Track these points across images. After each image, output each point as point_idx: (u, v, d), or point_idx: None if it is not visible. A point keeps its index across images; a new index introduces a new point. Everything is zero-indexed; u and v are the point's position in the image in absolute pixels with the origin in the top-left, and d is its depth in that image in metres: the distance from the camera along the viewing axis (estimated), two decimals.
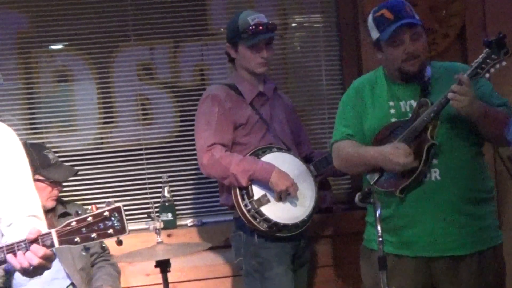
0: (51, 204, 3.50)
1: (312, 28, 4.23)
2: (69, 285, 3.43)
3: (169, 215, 3.89)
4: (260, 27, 3.41)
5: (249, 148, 3.43)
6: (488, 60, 2.72)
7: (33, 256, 2.05)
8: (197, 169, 3.58)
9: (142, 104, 4.09)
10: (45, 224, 2.30)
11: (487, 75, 2.74)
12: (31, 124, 3.96)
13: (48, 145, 3.83)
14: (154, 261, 3.21)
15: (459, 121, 2.83)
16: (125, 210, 2.06)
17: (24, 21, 3.99)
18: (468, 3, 4.02)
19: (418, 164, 2.83)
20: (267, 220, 3.32)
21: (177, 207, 4.00)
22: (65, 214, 3.54)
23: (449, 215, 2.86)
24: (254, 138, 3.45)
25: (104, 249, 3.57)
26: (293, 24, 4.22)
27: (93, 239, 2.03)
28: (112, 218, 2.03)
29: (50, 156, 3.54)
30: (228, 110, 3.43)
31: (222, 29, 4.02)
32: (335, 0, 4.19)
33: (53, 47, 4.06)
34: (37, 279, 2.51)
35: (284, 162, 3.40)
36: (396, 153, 2.82)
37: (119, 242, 2.06)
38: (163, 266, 3.21)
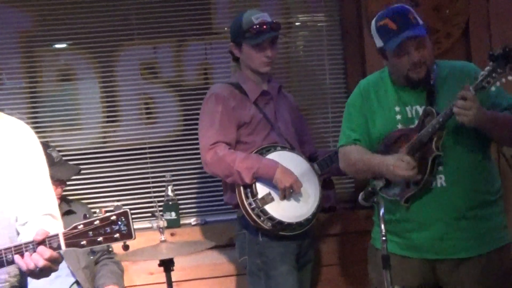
0: None
1: (316, 27, 4.22)
2: (73, 283, 3.44)
3: (173, 214, 3.89)
4: (264, 26, 3.41)
5: (253, 147, 3.43)
6: (493, 74, 2.66)
7: (39, 258, 2.05)
8: (201, 168, 3.57)
9: (146, 103, 4.08)
10: (61, 223, 2.29)
11: (493, 88, 2.69)
12: (34, 123, 3.95)
13: (51, 143, 3.82)
14: (158, 260, 3.21)
15: (465, 129, 2.80)
16: (129, 209, 2.06)
17: (28, 20, 3.99)
18: (472, 2, 4.01)
19: (422, 177, 2.81)
20: (271, 218, 3.32)
21: (180, 206, 3.98)
22: (70, 212, 3.56)
23: (455, 220, 2.85)
24: (258, 137, 3.45)
25: (108, 247, 3.57)
26: (296, 23, 4.21)
27: (99, 243, 2.04)
28: (119, 223, 2.03)
29: (54, 154, 3.54)
30: (232, 109, 3.42)
31: (226, 28, 4.02)
32: None
33: (57, 46, 4.05)
34: None
35: (288, 161, 3.39)
36: (400, 165, 2.80)
37: (125, 247, 2.07)
38: (167, 265, 3.20)
